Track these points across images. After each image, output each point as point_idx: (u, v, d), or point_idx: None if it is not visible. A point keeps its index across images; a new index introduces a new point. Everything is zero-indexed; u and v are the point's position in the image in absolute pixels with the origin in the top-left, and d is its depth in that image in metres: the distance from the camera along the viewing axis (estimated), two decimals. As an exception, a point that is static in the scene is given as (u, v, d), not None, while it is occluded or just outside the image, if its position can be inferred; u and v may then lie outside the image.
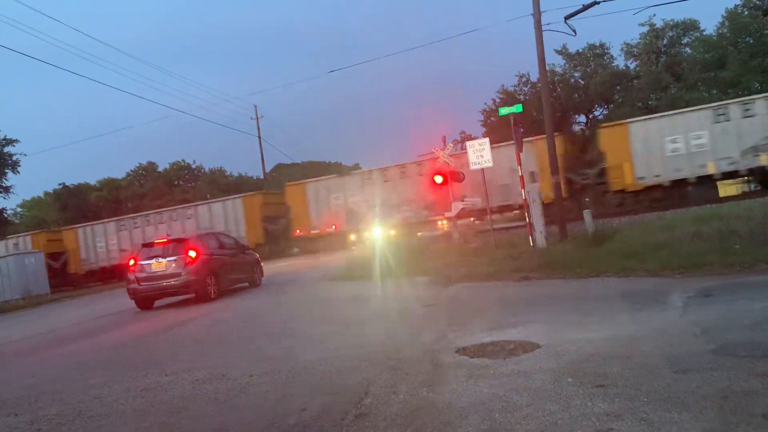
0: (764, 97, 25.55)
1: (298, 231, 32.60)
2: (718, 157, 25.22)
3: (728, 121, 25.11)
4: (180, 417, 5.27)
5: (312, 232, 32.20)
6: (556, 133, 25.35)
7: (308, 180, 33.82)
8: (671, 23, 44.28)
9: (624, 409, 4.03)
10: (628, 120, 27.75)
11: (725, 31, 41.42)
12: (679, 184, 25.87)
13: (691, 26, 44.35)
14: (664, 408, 3.97)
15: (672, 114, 27.03)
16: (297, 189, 33.16)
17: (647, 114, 31.13)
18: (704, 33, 43.95)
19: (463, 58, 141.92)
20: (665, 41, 45.05)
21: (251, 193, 36.65)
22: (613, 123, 28.77)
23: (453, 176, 20.30)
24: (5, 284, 28.40)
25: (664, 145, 25.90)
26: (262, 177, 50.28)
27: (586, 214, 16.54)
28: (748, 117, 24.84)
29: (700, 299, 7.52)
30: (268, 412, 5.07)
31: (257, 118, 46.48)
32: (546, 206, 18.14)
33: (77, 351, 10.00)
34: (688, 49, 44.62)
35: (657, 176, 26.03)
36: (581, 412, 4.08)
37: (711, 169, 25.32)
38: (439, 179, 19.60)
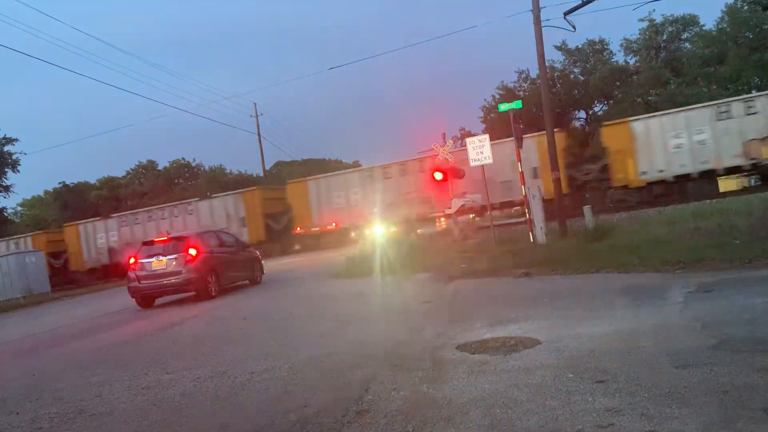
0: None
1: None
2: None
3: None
4: (181, 415, 5.28)
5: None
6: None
7: (78, 222, 39.62)
8: (671, 18, 44.21)
9: (624, 404, 4.04)
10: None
11: (725, 26, 41.39)
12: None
13: (690, 21, 44.28)
14: (664, 403, 3.97)
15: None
16: (72, 229, 38.79)
17: (647, 110, 31.16)
18: (704, 28, 43.91)
19: (463, 54, 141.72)
20: (665, 36, 44.97)
21: (39, 231, 42.33)
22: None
23: (453, 173, 20.35)
24: (6, 283, 28.40)
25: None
26: (261, 174, 50.26)
27: (586, 209, 16.53)
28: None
29: (701, 294, 7.52)
30: (269, 409, 5.08)
31: (257, 116, 46.53)
32: (546, 202, 18.45)
33: (78, 349, 10.02)
34: (687, 45, 44.58)
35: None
36: (582, 407, 4.09)
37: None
38: (438, 176, 19.72)
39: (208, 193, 38.67)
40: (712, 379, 4.32)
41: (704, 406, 3.86)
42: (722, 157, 25.28)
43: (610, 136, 27.67)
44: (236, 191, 36.39)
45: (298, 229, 33.58)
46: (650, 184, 26.47)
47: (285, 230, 33.75)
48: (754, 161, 24.93)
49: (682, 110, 26.88)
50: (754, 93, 27.74)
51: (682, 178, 26.10)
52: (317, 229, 32.83)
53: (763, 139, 24.60)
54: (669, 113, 27.18)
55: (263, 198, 34.93)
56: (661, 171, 26.19)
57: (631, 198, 26.71)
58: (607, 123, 29.52)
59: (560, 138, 26.07)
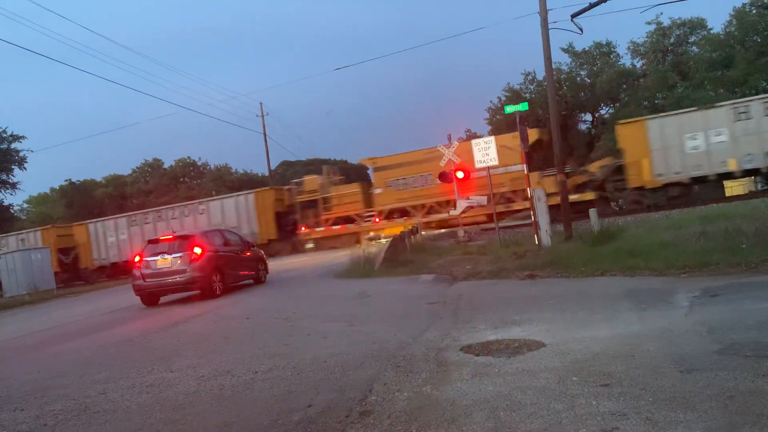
0: None
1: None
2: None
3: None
4: (185, 413, 5.29)
5: None
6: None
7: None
8: (678, 22, 44.01)
9: (629, 408, 4.02)
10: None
11: (733, 29, 41.21)
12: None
13: (698, 25, 44.08)
14: (669, 408, 3.96)
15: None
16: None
17: (654, 113, 31.01)
18: (711, 32, 43.70)
19: (469, 55, 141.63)
20: (672, 40, 44.79)
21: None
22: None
23: (457, 174, 20.43)
24: (12, 280, 28.48)
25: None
26: (267, 174, 50.33)
27: (592, 212, 16.49)
28: None
29: (706, 299, 7.49)
30: (272, 409, 5.08)
31: (262, 115, 46.49)
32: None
33: (83, 347, 10.04)
34: (695, 48, 44.40)
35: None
36: (586, 411, 4.08)
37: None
38: (460, 174, 20.01)
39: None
40: (717, 384, 4.30)
41: (709, 411, 3.85)
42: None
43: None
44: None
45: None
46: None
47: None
48: None
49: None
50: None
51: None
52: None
53: None
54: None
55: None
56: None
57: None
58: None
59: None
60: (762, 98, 25.45)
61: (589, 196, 26.86)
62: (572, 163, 28.87)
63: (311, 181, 33.02)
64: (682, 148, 25.50)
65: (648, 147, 25.97)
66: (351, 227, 31.46)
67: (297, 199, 33.13)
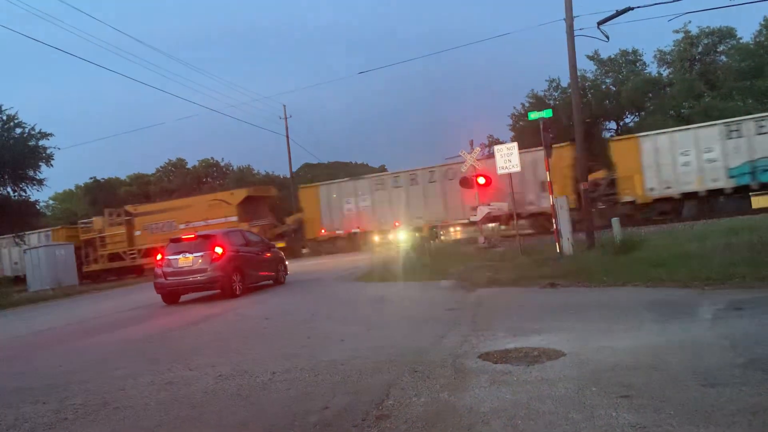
0: None
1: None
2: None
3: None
4: (203, 411, 5.33)
5: None
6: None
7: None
8: (707, 30, 43.44)
9: (649, 421, 3.96)
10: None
11: (763, 39, 40.62)
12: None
13: (727, 34, 43.45)
14: (691, 422, 3.89)
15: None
16: None
17: (680, 123, 30.70)
18: (741, 41, 43.10)
19: (493, 61, 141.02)
20: (700, 48, 44.23)
21: None
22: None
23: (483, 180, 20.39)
24: (36, 275, 28.95)
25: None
26: (288, 176, 50.59)
27: (614, 221, 16.32)
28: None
29: (730, 312, 7.37)
30: (290, 410, 5.09)
31: (285, 118, 46.75)
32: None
33: (104, 342, 10.18)
34: (723, 57, 43.79)
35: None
36: (605, 422, 4.02)
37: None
38: (482, 180, 20.04)
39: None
40: (740, 399, 4.23)
41: (731, 426, 3.78)
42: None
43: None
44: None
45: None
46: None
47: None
48: None
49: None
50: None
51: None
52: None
53: None
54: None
55: None
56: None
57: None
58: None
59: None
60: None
61: (281, 244, 29.60)
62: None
63: (97, 221, 38.84)
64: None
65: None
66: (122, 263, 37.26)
67: (83, 236, 38.05)
